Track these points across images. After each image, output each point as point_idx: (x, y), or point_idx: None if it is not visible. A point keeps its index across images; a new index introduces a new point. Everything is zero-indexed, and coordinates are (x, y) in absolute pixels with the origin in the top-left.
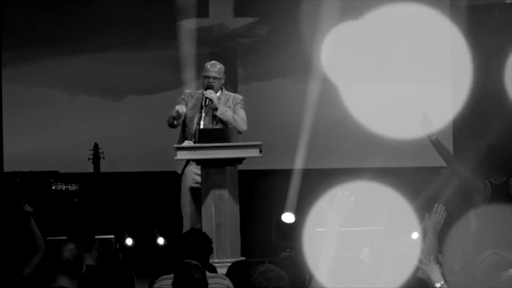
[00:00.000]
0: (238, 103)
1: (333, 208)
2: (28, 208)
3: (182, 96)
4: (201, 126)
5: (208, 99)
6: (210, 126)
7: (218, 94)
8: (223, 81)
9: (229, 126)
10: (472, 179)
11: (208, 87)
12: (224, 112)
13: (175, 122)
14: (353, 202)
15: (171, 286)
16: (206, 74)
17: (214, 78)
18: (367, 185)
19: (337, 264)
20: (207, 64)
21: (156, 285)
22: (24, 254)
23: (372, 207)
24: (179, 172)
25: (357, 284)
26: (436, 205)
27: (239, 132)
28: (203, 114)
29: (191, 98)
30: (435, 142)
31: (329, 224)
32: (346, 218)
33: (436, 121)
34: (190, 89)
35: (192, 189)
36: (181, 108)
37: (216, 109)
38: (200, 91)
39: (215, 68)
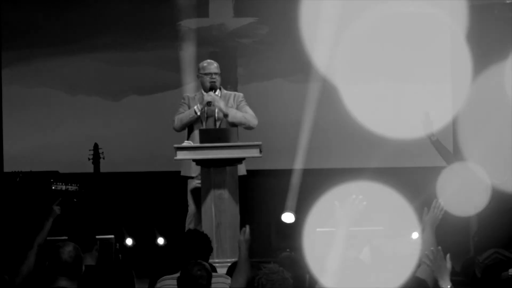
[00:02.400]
0: (241, 100)
1: (344, 209)
2: (57, 208)
3: (183, 100)
4: (205, 122)
5: (207, 103)
6: (212, 122)
7: (217, 93)
8: (220, 78)
9: (243, 126)
10: (473, 179)
11: (212, 84)
12: (234, 115)
13: (198, 113)
14: (364, 206)
15: (172, 286)
16: (206, 71)
17: (215, 74)
18: (370, 185)
19: (343, 264)
20: (203, 63)
21: (158, 285)
22: (22, 253)
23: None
24: (194, 175)
25: (360, 285)
26: (435, 200)
27: (251, 128)
28: (205, 116)
29: (192, 100)
30: (435, 142)
31: (338, 225)
32: (354, 221)
33: (436, 121)
34: (189, 92)
35: (194, 191)
36: (210, 97)
37: (226, 115)
38: (199, 92)
39: (213, 64)
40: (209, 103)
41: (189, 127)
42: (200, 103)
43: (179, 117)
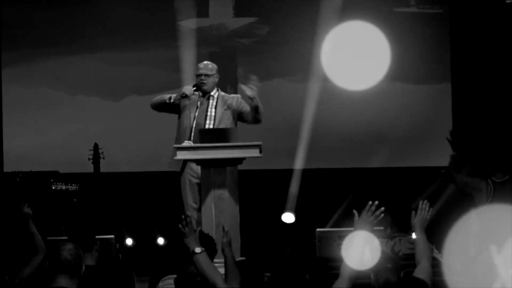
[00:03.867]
0: (241, 101)
1: (362, 217)
2: (27, 209)
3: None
4: (194, 120)
5: (181, 95)
6: (202, 122)
7: (213, 92)
8: (216, 79)
9: (252, 118)
10: (471, 183)
11: (201, 84)
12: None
13: (171, 101)
14: (382, 211)
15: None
16: (197, 73)
17: (206, 75)
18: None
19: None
20: (199, 64)
21: (160, 284)
22: (24, 255)
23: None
24: (178, 170)
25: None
26: (421, 201)
27: (259, 122)
28: (198, 109)
29: (190, 97)
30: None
31: (357, 231)
32: (374, 226)
33: (436, 121)
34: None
35: (191, 186)
36: (188, 90)
37: (256, 106)
38: (196, 94)
39: (206, 66)
40: (184, 96)
41: (184, 125)
42: (181, 96)
43: (157, 97)
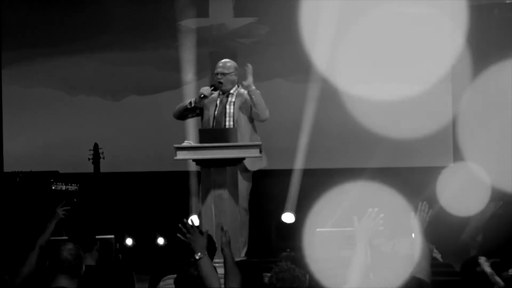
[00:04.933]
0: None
1: (362, 223)
2: (60, 211)
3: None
4: (214, 120)
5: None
6: (222, 120)
7: (232, 90)
8: (235, 77)
9: (256, 113)
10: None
11: (218, 83)
12: (259, 96)
13: (192, 105)
14: (382, 219)
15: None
16: (215, 71)
17: (222, 74)
18: (366, 185)
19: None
20: (218, 62)
21: (161, 284)
22: (22, 252)
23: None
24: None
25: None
26: (420, 203)
27: (262, 119)
28: (217, 108)
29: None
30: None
31: (357, 239)
32: (373, 234)
33: (436, 121)
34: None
35: None
36: (206, 90)
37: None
38: (214, 93)
39: (224, 64)
40: (203, 96)
41: (205, 125)
42: (200, 97)
43: (177, 107)
